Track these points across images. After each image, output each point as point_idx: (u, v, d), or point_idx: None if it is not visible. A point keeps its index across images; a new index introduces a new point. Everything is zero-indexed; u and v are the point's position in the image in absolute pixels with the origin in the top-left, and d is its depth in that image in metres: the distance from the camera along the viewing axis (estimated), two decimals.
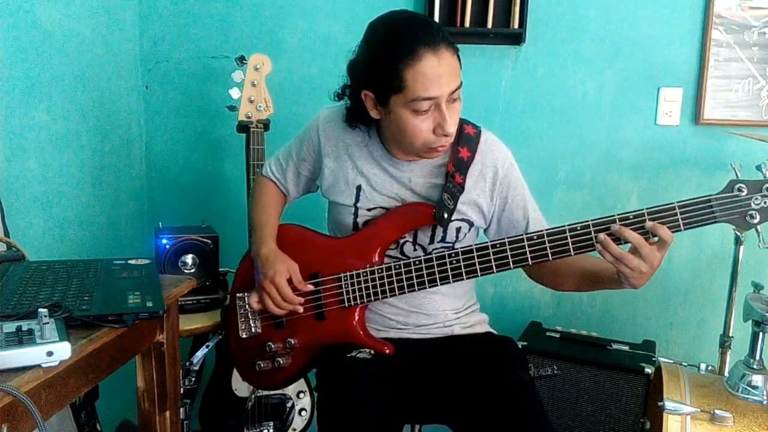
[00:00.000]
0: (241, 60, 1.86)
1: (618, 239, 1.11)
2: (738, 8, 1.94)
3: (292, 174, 1.45)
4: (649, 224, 1.09)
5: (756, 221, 1.09)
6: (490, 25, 2.02)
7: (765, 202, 1.08)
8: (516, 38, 2.04)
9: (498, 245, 1.19)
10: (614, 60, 2.05)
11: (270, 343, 1.35)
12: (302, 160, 1.42)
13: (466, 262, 1.21)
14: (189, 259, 1.81)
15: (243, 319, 1.38)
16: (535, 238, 1.17)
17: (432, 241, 1.31)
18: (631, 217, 1.11)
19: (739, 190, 1.09)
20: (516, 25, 2.01)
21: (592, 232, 1.13)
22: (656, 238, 1.09)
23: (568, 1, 2.04)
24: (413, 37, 1.14)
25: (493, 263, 1.19)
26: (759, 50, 1.95)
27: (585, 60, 2.06)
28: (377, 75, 1.18)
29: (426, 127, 1.18)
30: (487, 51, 2.09)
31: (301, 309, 1.30)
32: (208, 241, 1.83)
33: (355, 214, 1.33)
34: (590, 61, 2.06)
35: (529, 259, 1.17)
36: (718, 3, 1.94)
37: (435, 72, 1.13)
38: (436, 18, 2.01)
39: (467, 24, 2.02)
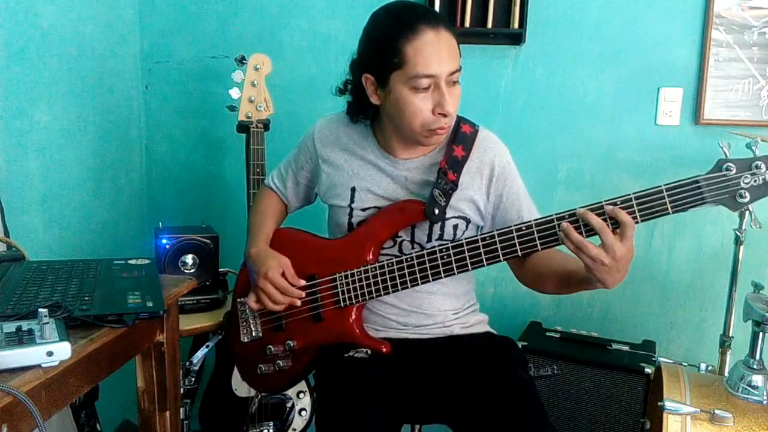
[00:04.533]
0: (241, 60, 1.86)
1: (582, 230, 1.10)
2: (738, 8, 1.94)
3: (292, 183, 1.47)
4: (607, 209, 1.08)
5: (746, 200, 1.06)
6: (490, 25, 2.02)
7: (755, 181, 1.06)
8: (516, 38, 2.04)
9: (488, 238, 1.19)
10: (614, 60, 2.05)
11: (270, 346, 1.35)
12: (300, 168, 1.45)
13: (457, 257, 1.21)
14: (189, 259, 1.81)
15: (244, 323, 1.39)
16: (523, 229, 1.16)
17: (429, 239, 1.31)
18: (616, 202, 1.10)
19: (728, 169, 1.06)
20: (516, 25, 2.01)
21: (580, 220, 1.12)
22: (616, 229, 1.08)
23: (568, 1, 2.04)
24: (413, 15, 1.18)
25: (484, 256, 1.19)
26: (759, 50, 1.95)
27: (585, 60, 2.06)
28: (378, 54, 1.20)
29: (425, 106, 1.19)
30: (487, 51, 2.09)
31: (298, 302, 1.30)
32: (208, 241, 1.82)
33: (350, 215, 1.34)
34: (590, 61, 2.06)
35: (519, 251, 1.17)
36: (718, 3, 1.94)
37: (434, 48, 1.16)
38: None
39: (467, 24, 2.02)
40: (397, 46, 1.16)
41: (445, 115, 1.20)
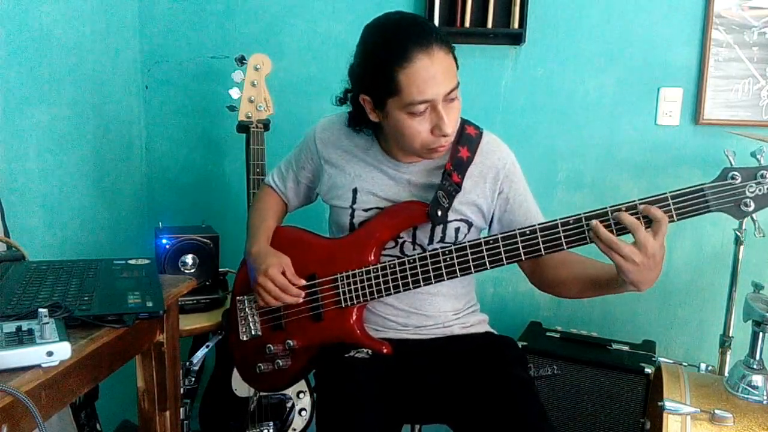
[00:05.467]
0: (241, 60, 1.86)
1: (612, 228, 1.09)
2: (738, 8, 1.94)
3: (292, 182, 1.47)
4: (641, 207, 1.07)
5: (751, 209, 1.06)
6: (490, 25, 2.02)
7: (760, 190, 1.05)
8: (516, 38, 2.04)
9: (491, 241, 1.19)
10: (614, 60, 2.05)
11: (270, 346, 1.35)
12: (301, 168, 1.44)
13: (460, 259, 1.21)
14: (189, 259, 1.81)
15: (243, 322, 1.39)
16: (527, 233, 1.16)
17: (431, 241, 1.31)
18: (623, 209, 1.09)
19: (733, 177, 1.06)
20: (516, 25, 2.01)
21: (584, 225, 1.11)
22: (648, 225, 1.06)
23: (568, 1, 2.04)
24: (405, 39, 1.14)
25: (486, 259, 1.19)
26: (759, 50, 1.95)
27: (585, 60, 2.06)
28: (372, 80, 1.19)
29: (424, 128, 1.18)
30: (487, 51, 2.09)
31: (300, 299, 1.29)
32: (208, 241, 1.82)
33: (352, 215, 1.33)
34: (590, 61, 2.06)
35: (522, 255, 1.17)
36: (718, 3, 1.94)
37: (428, 74, 1.13)
38: (436, 18, 2.01)
39: (467, 24, 2.02)
40: (391, 74, 1.14)
41: (444, 135, 1.19)
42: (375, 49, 1.19)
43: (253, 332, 1.37)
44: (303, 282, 1.30)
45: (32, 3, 1.66)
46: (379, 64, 1.16)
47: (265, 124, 1.87)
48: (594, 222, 1.09)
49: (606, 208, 1.11)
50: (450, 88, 1.16)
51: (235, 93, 1.85)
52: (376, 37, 1.21)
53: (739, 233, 1.75)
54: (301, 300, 1.30)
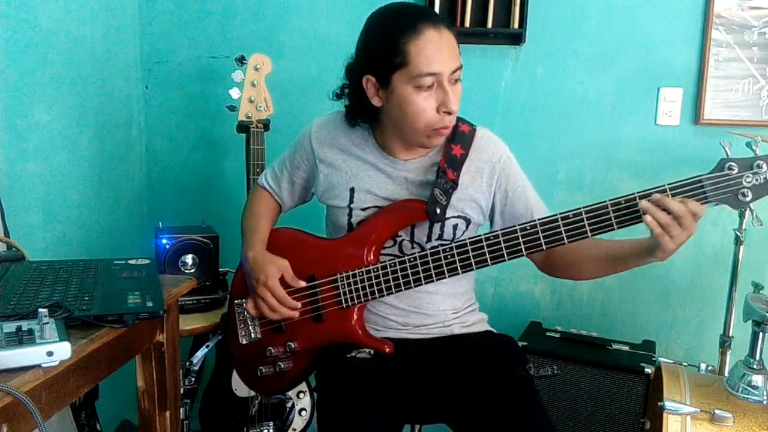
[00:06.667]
0: (241, 60, 1.86)
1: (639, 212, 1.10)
2: (738, 8, 1.94)
3: (287, 182, 1.46)
4: (678, 200, 1.08)
5: (748, 199, 1.07)
6: (490, 25, 2.02)
7: (757, 180, 1.07)
8: (516, 38, 2.04)
9: (491, 237, 1.19)
10: (614, 60, 2.05)
11: (270, 348, 1.35)
12: (296, 168, 1.44)
13: (461, 256, 1.21)
14: (189, 259, 1.81)
15: (242, 326, 1.38)
16: (528, 228, 1.17)
17: (429, 239, 1.31)
18: (622, 201, 1.11)
19: (730, 168, 1.07)
20: (516, 25, 2.01)
21: (584, 219, 1.13)
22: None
23: (568, 1, 2.04)
24: (414, 15, 1.19)
25: (487, 255, 1.20)
26: (759, 50, 1.95)
27: (585, 60, 2.06)
28: (379, 54, 1.20)
29: (429, 105, 1.19)
30: (487, 51, 2.09)
31: (297, 314, 1.29)
32: (208, 241, 1.82)
33: (349, 215, 1.33)
34: (590, 61, 2.06)
35: (524, 250, 1.17)
36: (718, 3, 1.94)
37: (437, 47, 1.16)
38: None
39: (467, 24, 2.02)
40: (399, 45, 1.16)
41: (449, 113, 1.20)
42: (383, 26, 1.22)
43: (252, 336, 1.37)
44: (303, 284, 1.30)
45: (32, 3, 1.66)
46: (387, 38, 1.19)
47: (265, 124, 1.87)
48: (646, 203, 1.08)
49: (605, 201, 1.12)
50: (456, 66, 1.19)
51: (235, 93, 1.85)
52: (383, 18, 1.24)
53: (739, 233, 1.75)
54: (296, 315, 1.30)
